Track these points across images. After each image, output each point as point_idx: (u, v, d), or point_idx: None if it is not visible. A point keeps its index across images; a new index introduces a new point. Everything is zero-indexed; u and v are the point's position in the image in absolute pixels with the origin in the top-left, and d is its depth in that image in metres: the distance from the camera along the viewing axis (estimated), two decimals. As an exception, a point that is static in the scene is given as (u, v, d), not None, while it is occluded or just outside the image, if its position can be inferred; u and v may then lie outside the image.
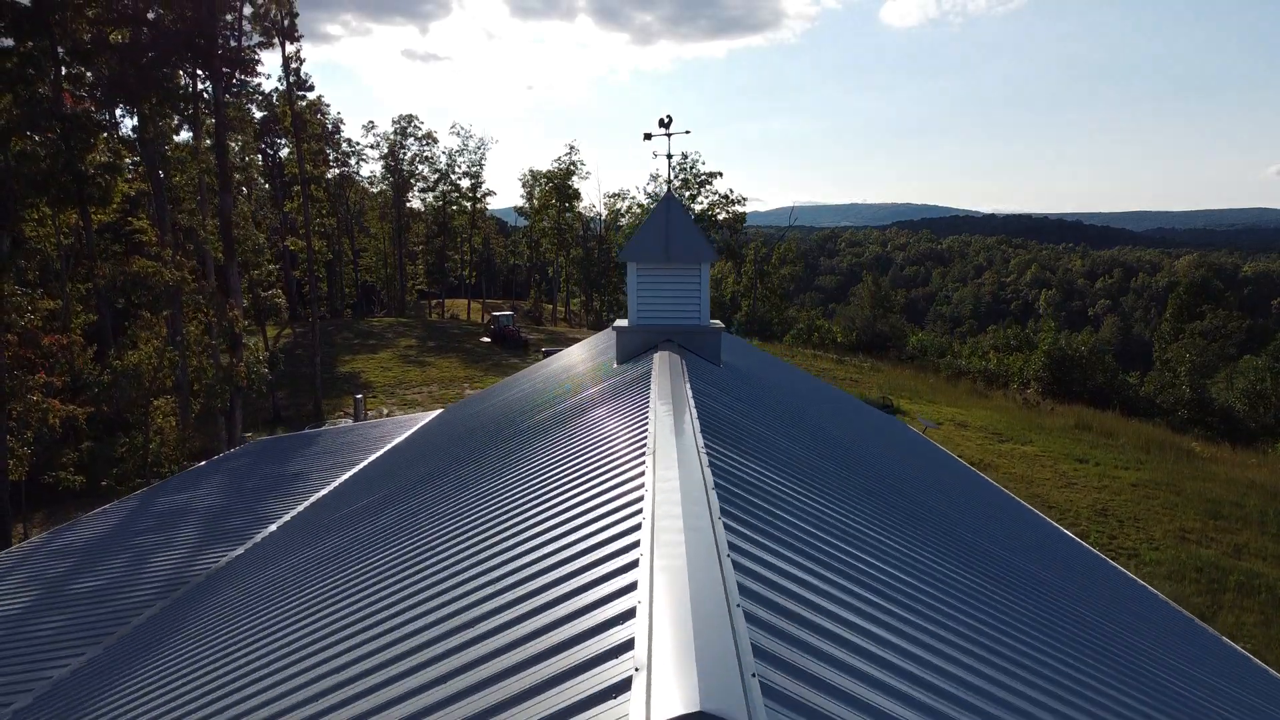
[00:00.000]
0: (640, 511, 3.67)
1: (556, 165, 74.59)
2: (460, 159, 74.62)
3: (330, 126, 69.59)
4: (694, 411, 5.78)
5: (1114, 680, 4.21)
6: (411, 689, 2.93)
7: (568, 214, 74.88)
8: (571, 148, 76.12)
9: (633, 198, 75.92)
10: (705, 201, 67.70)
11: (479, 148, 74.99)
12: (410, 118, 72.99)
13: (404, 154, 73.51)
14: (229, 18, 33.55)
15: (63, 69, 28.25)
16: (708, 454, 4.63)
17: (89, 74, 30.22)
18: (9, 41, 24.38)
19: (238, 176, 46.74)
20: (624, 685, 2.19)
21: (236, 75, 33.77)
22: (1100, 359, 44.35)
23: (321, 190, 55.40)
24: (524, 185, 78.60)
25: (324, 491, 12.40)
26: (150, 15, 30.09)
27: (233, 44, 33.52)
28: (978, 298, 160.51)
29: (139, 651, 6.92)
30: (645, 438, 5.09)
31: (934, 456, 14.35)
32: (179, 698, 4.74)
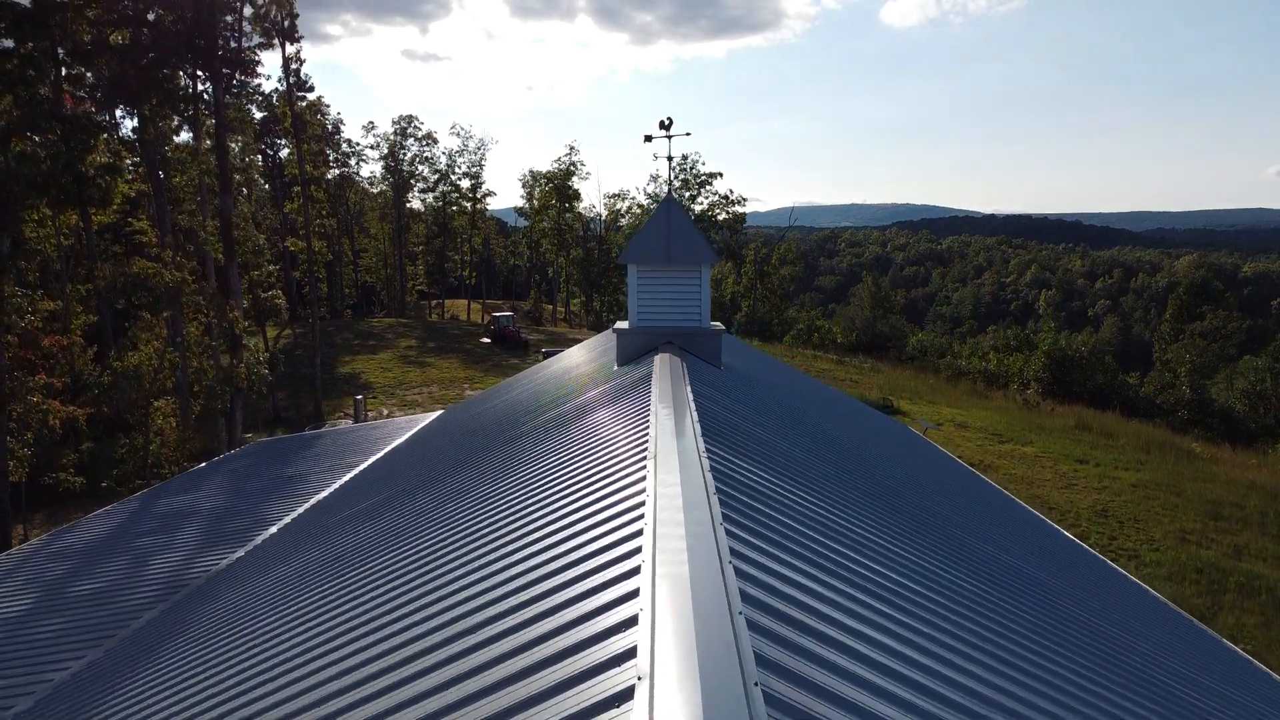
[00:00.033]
0: (642, 517, 3.68)
1: (556, 166, 74.65)
2: (460, 159, 74.73)
3: (330, 127, 69.64)
4: (695, 415, 5.79)
5: (1123, 689, 4.21)
6: (417, 694, 2.93)
7: (568, 214, 74.91)
8: (571, 148, 76.14)
9: (632, 198, 75.99)
10: (705, 202, 67.74)
11: (479, 148, 75.11)
12: (410, 118, 73.07)
13: (404, 154, 73.58)
14: (229, 19, 33.56)
15: (63, 70, 28.28)
16: (709, 458, 4.64)
17: (89, 75, 30.24)
18: (9, 42, 24.40)
19: (238, 177, 46.77)
20: (627, 694, 2.20)
21: (237, 76, 33.79)
22: (1100, 359, 44.35)
23: (321, 191, 55.40)
24: (524, 186, 78.70)
25: (325, 493, 12.41)
26: (150, 16, 30.11)
27: (233, 45, 33.53)
28: (978, 298, 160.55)
29: (140, 654, 6.92)
30: (646, 442, 5.10)
31: (935, 458, 14.36)
32: (182, 701, 4.74)
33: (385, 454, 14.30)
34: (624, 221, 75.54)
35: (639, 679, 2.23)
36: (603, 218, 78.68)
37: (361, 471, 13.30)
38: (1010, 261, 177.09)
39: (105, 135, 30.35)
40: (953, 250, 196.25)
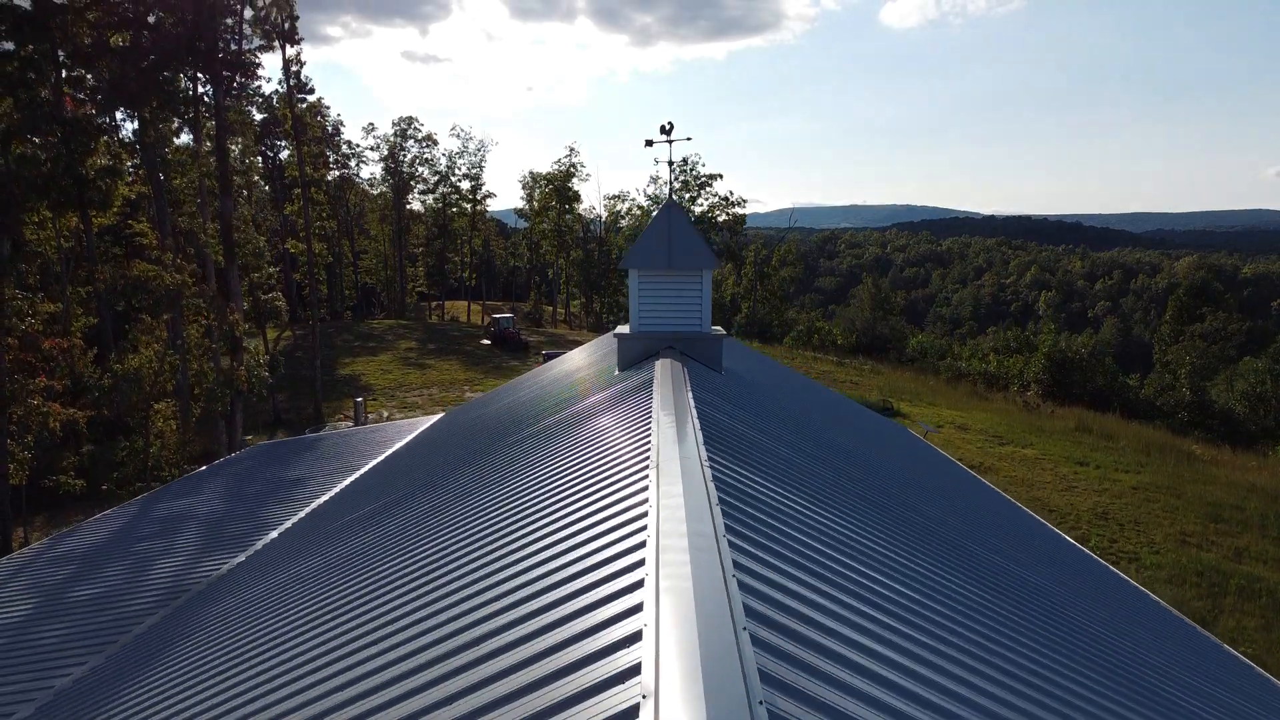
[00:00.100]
0: (645, 528, 3.67)
1: (556, 167, 74.76)
2: (460, 161, 74.81)
3: (330, 129, 69.66)
4: (696, 423, 5.79)
5: (1132, 701, 4.21)
6: (417, 710, 2.93)
7: (568, 216, 74.97)
8: (571, 149, 76.39)
9: (633, 199, 76.16)
10: (705, 204, 67.85)
11: (479, 149, 75.26)
12: (410, 120, 73.12)
13: (404, 156, 73.61)
14: (229, 21, 33.58)
15: (63, 73, 28.30)
16: (711, 467, 4.63)
17: (89, 77, 30.25)
18: (10, 45, 24.42)
19: (238, 179, 46.77)
20: (632, 713, 2.19)
21: (237, 78, 33.83)
22: (1100, 361, 44.36)
23: (322, 193, 55.39)
24: (524, 187, 78.80)
25: (325, 498, 12.40)
26: (150, 19, 30.13)
27: (233, 47, 33.55)
28: (977, 299, 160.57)
29: (142, 661, 6.91)
30: (648, 450, 5.09)
31: (936, 462, 14.35)
32: (183, 709, 4.73)
33: (386, 458, 14.29)
34: (624, 223, 75.64)
35: (643, 697, 2.22)
36: (603, 219, 78.78)
37: (362, 476, 13.29)
38: (1010, 263, 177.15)
39: (105, 138, 30.37)
40: (952, 251, 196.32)
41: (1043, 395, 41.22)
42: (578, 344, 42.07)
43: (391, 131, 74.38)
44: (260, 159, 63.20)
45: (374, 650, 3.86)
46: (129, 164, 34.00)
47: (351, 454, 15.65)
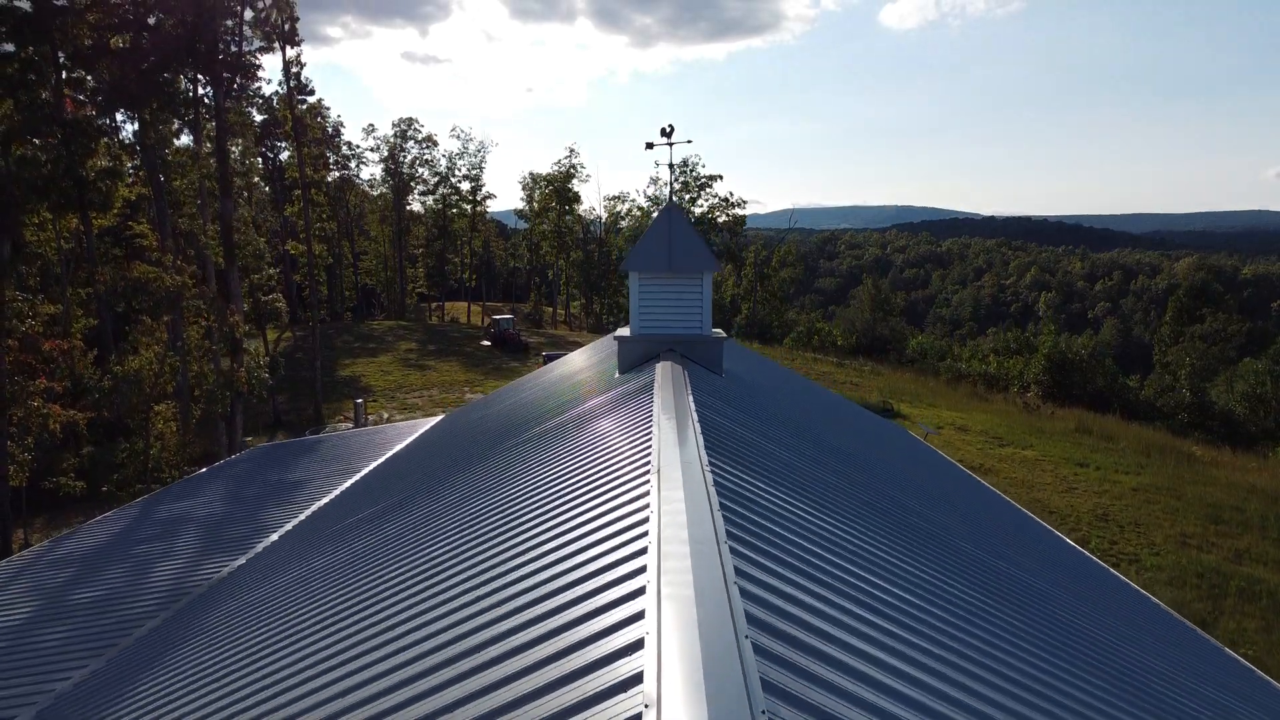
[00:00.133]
0: (646, 534, 3.67)
1: (556, 168, 74.80)
2: (460, 162, 74.86)
3: (330, 130, 69.68)
4: (697, 427, 5.79)
5: (1134, 708, 4.20)
6: (419, 717, 2.92)
7: (568, 217, 75.00)
8: (571, 150, 76.44)
9: (633, 200, 76.19)
10: (705, 205, 67.88)
11: (479, 150, 75.30)
12: (410, 120, 73.20)
13: (404, 157, 73.66)
14: (229, 23, 33.57)
15: (64, 74, 28.30)
16: (712, 472, 4.63)
17: (90, 79, 30.25)
18: (10, 47, 24.43)
19: (238, 181, 46.73)
20: (634, 722, 2.19)
21: (237, 80, 33.82)
22: (1100, 362, 44.36)
23: (322, 194, 55.38)
24: (524, 188, 78.82)
25: (325, 500, 12.40)
26: (150, 20, 30.14)
27: (233, 49, 33.56)
28: (977, 300, 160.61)
29: (142, 664, 6.91)
30: (649, 455, 5.09)
31: (936, 464, 14.35)
32: (187, 710, 4.73)
33: (386, 460, 14.29)
34: (624, 224, 75.68)
35: (645, 706, 2.22)
36: (603, 220, 78.81)
37: (362, 478, 13.29)
38: (1010, 264, 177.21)
39: (106, 139, 30.40)
40: (952, 252, 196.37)
41: (1043, 396, 41.22)
42: (578, 345, 42.08)
43: (391, 132, 74.57)
44: (260, 160, 63.20)
45: (374, 657, 3.85)
46: (129, 165, 34.03)
47: (351, 456, 15.65)
